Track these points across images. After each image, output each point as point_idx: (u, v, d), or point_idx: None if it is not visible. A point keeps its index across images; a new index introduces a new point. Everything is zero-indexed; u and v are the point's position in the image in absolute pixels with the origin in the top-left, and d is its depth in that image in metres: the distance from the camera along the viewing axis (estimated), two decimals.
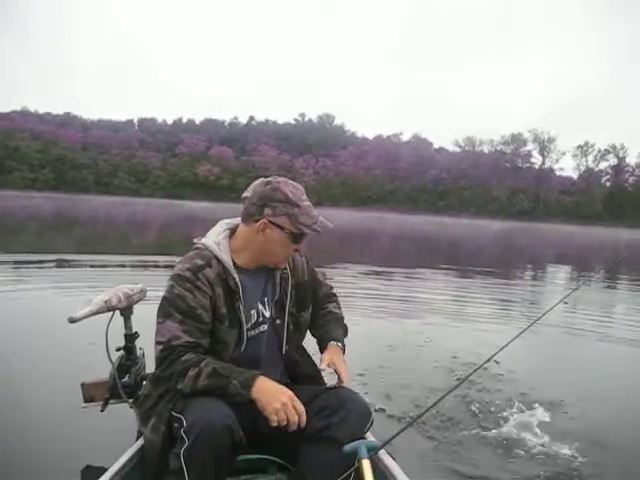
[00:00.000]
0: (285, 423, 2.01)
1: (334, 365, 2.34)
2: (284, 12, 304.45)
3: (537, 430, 3.93)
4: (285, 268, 2.41)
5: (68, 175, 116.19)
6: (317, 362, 2.50)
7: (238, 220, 2.37)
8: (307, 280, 2.52)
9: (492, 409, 4.32)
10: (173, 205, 72.50)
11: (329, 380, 2.47)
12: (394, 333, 7.03)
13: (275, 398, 2.01)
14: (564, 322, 8.13)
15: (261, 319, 2.34)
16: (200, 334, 2.16)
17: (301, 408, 2.04)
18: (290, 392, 2.06)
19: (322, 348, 2.48)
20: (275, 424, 2.00)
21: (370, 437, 2.29)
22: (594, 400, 4.75)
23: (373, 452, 2.04)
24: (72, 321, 2.59)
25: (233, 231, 2.36)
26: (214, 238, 2.31)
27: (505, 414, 4.21)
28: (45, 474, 3.08)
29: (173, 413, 2.10)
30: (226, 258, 2.26)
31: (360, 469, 1.96)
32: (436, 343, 6.55)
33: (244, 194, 2.33)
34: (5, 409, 3.97)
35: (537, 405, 4.37)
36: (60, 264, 12.33)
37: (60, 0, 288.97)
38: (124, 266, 12.77)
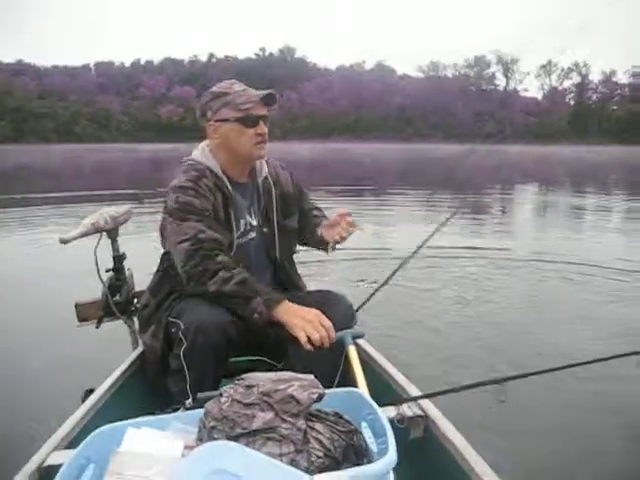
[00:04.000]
0: (316, 339, 2.02)
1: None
2: None
3: None
4: (267, 178, 2.51)
5: (27, 126, 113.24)
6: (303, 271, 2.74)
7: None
8: (292, 192, 2.59)
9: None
10: (137, 150, 71.27)
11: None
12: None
13: (301, 317, 2.05)
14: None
15: (249, 227, 2.43)
16: (220, 229, 2.25)
17: (328, 323, 2.06)
18: (315, 310, 2.09)
19: (318, 235, 2.52)
20: (304, 340, 2.01)
21: (355, 328, 2.39)
22: None
23: (358, 338, 2.26)
24: (63, 242, 2.68)
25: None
26: (201, 152, 2.42)
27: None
28: (49, 392, 3.33)
29: (170, 318, 2.21)
30: (217, 168, 2.36)
31: (347, 355, 2.15)
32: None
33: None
34: (4, 334, 4.24)
35: None
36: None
37: None
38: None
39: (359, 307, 2.85)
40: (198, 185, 2.27)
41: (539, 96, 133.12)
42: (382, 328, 4.34)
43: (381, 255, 7.09)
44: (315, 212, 2.68)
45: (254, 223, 2.46)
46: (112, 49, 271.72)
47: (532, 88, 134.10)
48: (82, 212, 11.48)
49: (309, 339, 2.02)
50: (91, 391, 2.22)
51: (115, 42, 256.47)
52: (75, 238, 2.73)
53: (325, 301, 2.34)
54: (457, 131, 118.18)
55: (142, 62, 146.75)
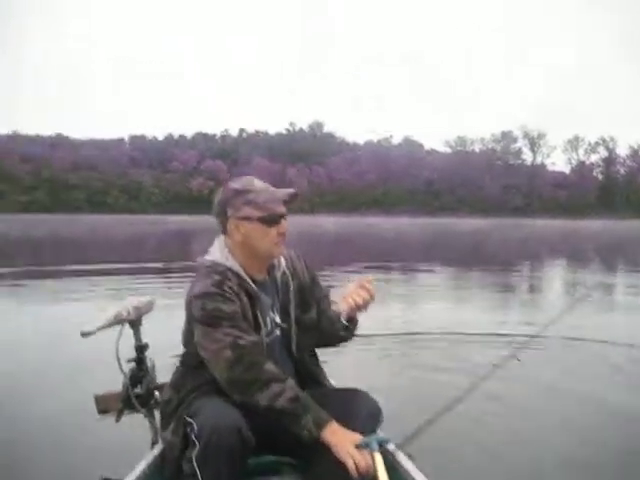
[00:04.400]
0: (362, 467, 1.96)
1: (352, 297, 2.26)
2: (266, 23, 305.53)
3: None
4: (285, 272, 2.42)
5: (61, 196, 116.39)
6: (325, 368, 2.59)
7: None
8: (307, 282, 2.50)
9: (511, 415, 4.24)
10: (165, 221, 72.44)
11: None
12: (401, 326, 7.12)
13: (349, 443, 2.00)
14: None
15: (273, 325, 2.36)
16: (254, 334, 2.19)
17: (368, 458, 1.98)
18: (358, 436, 2.03)
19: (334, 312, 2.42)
20: (353, 468, 1.95)
21: (381, 433, 2.26)
22: None
23: (384, 445, 2.07)
24: (84, 335, 2.62)
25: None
26: (219, 252, 2.33)
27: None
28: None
29: (186, 418, 2.14)
30: (237, 267, 2.27)
31: (373, 462, 1.98)
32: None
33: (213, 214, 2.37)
34: (21, 422, 4.08)
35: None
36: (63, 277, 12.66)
37: (49, 21, 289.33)
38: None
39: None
40: (223, 289, 2.19)
41: (567, 170, 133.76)
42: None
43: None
44: (330, 302, 2.54)
45: (277, 320, 2.38)
46: (146, 123, 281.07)
47: (559, 162, 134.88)
48: (110, 285, 11.80)
49: (356, 466, 1.95)
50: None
51: (149, 116, 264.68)
52: (97, 330, 2.68)
53: (349, 400, 2.26)
54: (484, 205, 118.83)
55: (175, 136, 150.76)
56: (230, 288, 2.20)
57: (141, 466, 2.30)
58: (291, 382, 2.11)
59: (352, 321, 2.37)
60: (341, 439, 2.01)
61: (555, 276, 16.75)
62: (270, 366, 2.10)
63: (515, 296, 11.89)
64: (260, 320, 2.27)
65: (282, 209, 2.28)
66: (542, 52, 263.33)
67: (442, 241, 36.82)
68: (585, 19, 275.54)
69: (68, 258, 19.52)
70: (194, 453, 1.99)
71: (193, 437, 2.01)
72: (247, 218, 2.25)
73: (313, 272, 2.57)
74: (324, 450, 2.05)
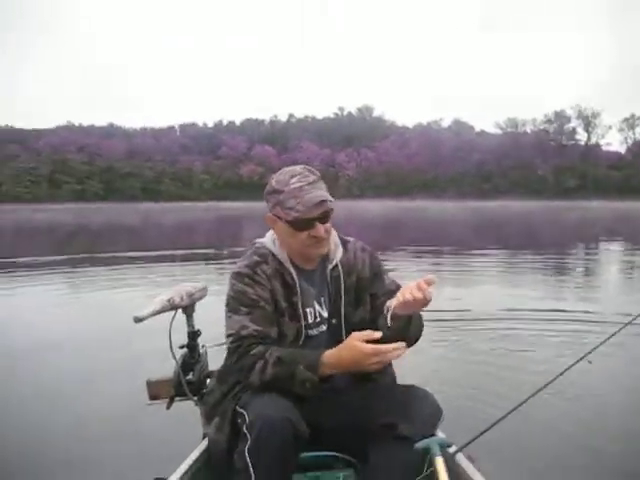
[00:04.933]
0: (386, 359, 1.96)
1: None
2: (313, 6, 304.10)
3: None
4: (336, 266, 2.31)
5: (115, 185, 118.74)
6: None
7: None
8: (367, 277, 2.37)
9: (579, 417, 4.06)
10: (217, 207, 72.91)
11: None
12: (462, 324, 6.85)
13: (354, 360, 1.97)
14: None
15: (319, 319, 2.29)
16: (267, 323, 2.15)
17: (378, 348, 1.94)
18: (350, 341, 1.98)
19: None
20: (377, 366, 1.97)
21: (441, 434, 2.22)
22: None
23: (446, 449, 2.02)
24: (137, 320, 2.59)
25: None
26: (271, 236, 2.31)
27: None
28: (113, 475, 3.29)
29: (237, 408, 2.09)
30: (281, 254, 2.25)
31: (433, 467, 1.90)
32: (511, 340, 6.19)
33: None
34: (74, 407, 4.23)
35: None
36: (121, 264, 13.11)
37: (96, 16, 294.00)
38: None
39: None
40: (255, 272, 2.20)
41: (622, 150, 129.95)
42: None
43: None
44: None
45: (324, 314, 2.30)
46: (196, 110, 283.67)
47: (615, 142, 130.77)
48: (164, 271, 12.05)
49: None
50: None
51: (199, 103, 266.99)
52: (150, 316, 2.66)
53: (407, 400, 2.16)
54: (537, 187, 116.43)
55: (224, 123, 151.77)
56: (264, 272, 2.20)
57: (187, 463, 2.24)
58: (272, 350, 2.06)
59: (397, 320, 2.07)
60: (343, 364, 1.99)
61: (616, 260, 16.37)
62: (258, 349, 2.07)
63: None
64: (299, 310, 2.23)
65: (312, 214, 2.13)
66: (593, 29, 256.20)
67: (494, 224, 36.28)
68: None
69: (123, 245, 19.96)
70: (246, 447, 1.93)
71: (245, 429, 1.95)
72: (278, 217, 2.20)
73: (378, 267, 2.42)
74: (380, 446, 2.05)
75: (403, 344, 1.95)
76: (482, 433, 2.00)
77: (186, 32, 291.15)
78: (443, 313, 6.90)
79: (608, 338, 2.47)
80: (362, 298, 2.34)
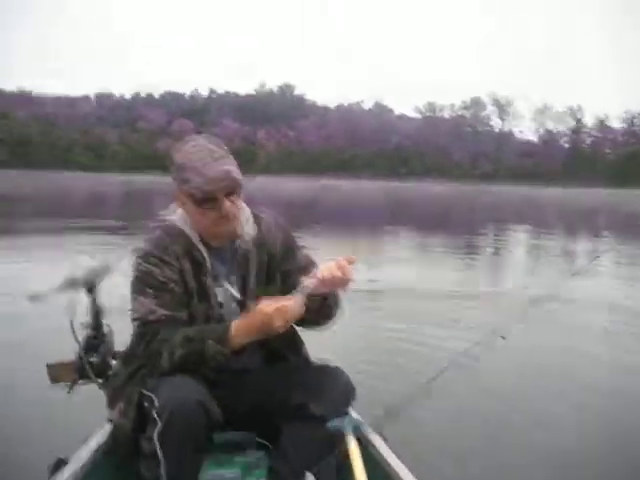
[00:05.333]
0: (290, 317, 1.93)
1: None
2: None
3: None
4: (245, 241, 2.19)
5: (20, 150, 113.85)
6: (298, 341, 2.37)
7: None
8: (279, 252, 2.26)
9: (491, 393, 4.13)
10: (131, 180, 71.62)
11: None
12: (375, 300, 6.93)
13: (267, 326, 1.91)
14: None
15: (229, 298, 2.19)
16: (176, 306, 2.05)
17: (289, 305, 1.91)
18: (268, 307, 1.91)
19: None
20: (283, 325, 1.91)
21: (353, 413, 2.16)
22: None
23: (359, 429, 1.99)
24: (33, 299, 2.52)
25: None
26: (181, 213, 2.17)
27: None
28: (14, 459, 3.10)
29: (143, 391, 1.99)
30: (190, 231, 2.12)
31: (345, 446, 1.89)
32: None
33: None
34: None
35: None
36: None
37: None
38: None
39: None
40: (163, 251, 2.07)
41: (535, 139, 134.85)
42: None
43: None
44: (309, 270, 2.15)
45: (235, 293, 2.19)
46: (113, 80, 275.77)
47: (528, 132, 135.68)
48: (70, 242, 11.56)
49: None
50: (61, 461, 2.05)
51: (116, 74, 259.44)
52: (48, 294, 2.55)
53: (320, 378, 2.12)
54: (452, 171, 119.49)
55: (142, 95, 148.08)
56: (173, 251, 2.08)
57: (92, 444, 2.14)
58: (178, 331, 1.98)
59: (312, 299, 1.98)
60: (252, 329, 1.94)
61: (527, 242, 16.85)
62: (164, 334, 1.97)
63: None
64: (209, 290, 2.12)
65: (217, 189, 2.00)
66: (512, 20, 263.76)
67: (408, 205, 36.89)
68: None
69: (26, 214, 19.18)
70: (155, 431, 1.84)
71: (154, 414, 1.86)
72: (185, 194, 2.05)
73: (291, 242, 2.32)
74: (291, 427, 2.03)
75: (301, 296, 1.92)
76: (395, 412, 1.98)
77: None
78: (354, 289, 6.80)
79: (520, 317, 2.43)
80: (273, 276, 2.25)
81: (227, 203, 2.02)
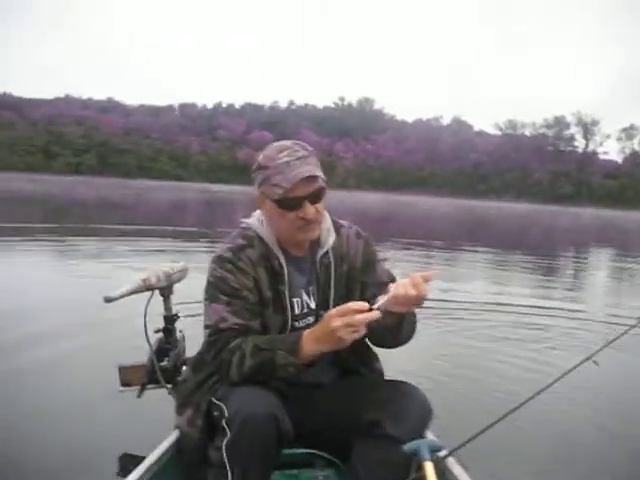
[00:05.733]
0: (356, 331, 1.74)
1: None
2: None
3: None
4: (327, 253, 2.11)
5: (111, 159, 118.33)
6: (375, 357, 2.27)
7: None
8: (359, 266, 2.17)
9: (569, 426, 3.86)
10: (211, 189, 72.84)
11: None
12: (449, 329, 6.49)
13: (333, 338, 1.75)
14: None
15: (306, 310, 2.10)
16: (249, 315, 1.97)
17: (356, 318, 1.72)
18: (336, 320, 1.74)
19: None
20: (351, 338, 1.74)
21: (430, 436, 2.06)
22: None
23: (436, 453, 1.81)
24: (108, 300, 2.41)
25: None
26: (258, 217, 2.11)
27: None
28: (82, 459, 3.03)
29: (213, 400, 1.96)
30: (269, 237, 2.05)
31: (422, 472, 1.72)
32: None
33: None
34: (41, 391, 3.93)
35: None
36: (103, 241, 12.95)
37: None
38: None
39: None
40: (238, 257, 2.01)
41: (619, 159, 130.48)
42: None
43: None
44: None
45: (312, 305, 2.11)
46: (197, 91, 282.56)
47: (612, 151, 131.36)
48: (152, 246, 11.93)
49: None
50: (128, 456, 2.07)
51: (199, 84, 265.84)
52: (122, 296, 2.49)
53: (397, 398, 1.97)
54: (532, 190, 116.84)
55: (224, 105, 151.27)
56: (248, 257, 2.01)
57: (158, 452, 2.10)
58: (248, 339, 1.90)
59: (388, 316, 1.82)
60: (322, 342, 1.79)
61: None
62: (235, 343, 1.91)
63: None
64: (286, 300, 2.04)
65: (301, 191, 1.91)
66: (600, 42, 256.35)
67: (486, 224, 36.31)
68: None
69: (113, 219, 19.84)
70: (224, 442, 1.78)
71: (224, 423, 1.80)
72: (265, 196, 1.98)
73: (372, 255, 2.21)
74: (364, 445, 1.92)
75: (366, 305, 1.75)
76: (476, 436, 1.83)
77: (187, 13, 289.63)
78: (429, 305, 6.75)
79: (615, 339, 2.28)
80: (353, 288, 2.14)
81: (311, 208, 1.94)
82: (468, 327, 6.26)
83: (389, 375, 2.25)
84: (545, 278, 11.98)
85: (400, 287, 1.77)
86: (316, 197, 1.95)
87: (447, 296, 7.77)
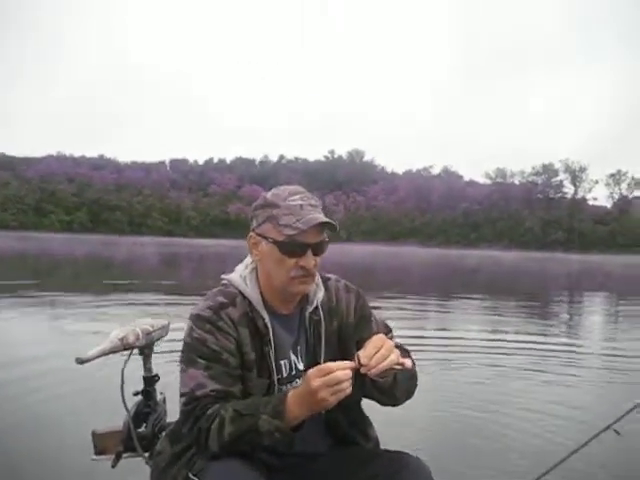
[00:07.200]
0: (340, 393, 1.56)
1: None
2: (311, 48, 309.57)
3: None
4: (316, 309, 1.95)
5: (102, 216, 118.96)
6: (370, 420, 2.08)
7: None
8: (352, 322, 2.01)
9: None
10: (203, 244, 72.98)
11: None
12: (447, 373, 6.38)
13: (314, 400, 1.59)
14: None
15: (294, 372, 1.93)
16: (229, 380, 1.81)
17: (337, 376, 1.56)
18: (315, 380, 1.58)
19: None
20: (335, 401, 1.58)
21: None
22: None
23: None
24: (80, 362, 2.23)
25: None
26: (241, 272, 1.96)
27: None
28: None
29: (190, 475, 1.77)
30: (253, 294, 1.90)
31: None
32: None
33: None
34: (10, 457, 3.73)
35: None
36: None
37: (90, 48, 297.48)
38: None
39: None
40: (219, 316, 1.83)
41: (608, 204, 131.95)
42: None
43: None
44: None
45: (300, 367, 1.94)
46: (187, 146, 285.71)
47: (600, 197, 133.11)
48: (139, 300, 11.80)
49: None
50: None
51: (190, 139, 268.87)
52: (97, 357, 2.29)
53: (396, 469, 1.79)
54: (523, 238, 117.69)
55: (215, 160, 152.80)
56: (229, 316, 1.85)
57: None
58: (227, 406, 1.73)
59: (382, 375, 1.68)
60: (308, 406, 1.62)
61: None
62: (213, 409, 1.74)
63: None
64: (272, 363, 1.87)
65: (309, 238, 1.80)
66: (584, 87, 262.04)
67: (477, 272, 36.30)
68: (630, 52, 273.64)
69: (100, 277, 19.74)
70: None
71: None
72: (265, 237, 1.83)
73: (365, 309, 2.06)
74: None
75: (350, 363, 1.58)
76: None
77: (176, 69, 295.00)
78: (428, 361, 6.60)
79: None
80: (347, 347, 1.95)
81: (312, 259, 1.82)
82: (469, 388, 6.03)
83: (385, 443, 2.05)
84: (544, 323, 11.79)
85: (370, 348, 1.61)
86: (320, 248, 1.84)
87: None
